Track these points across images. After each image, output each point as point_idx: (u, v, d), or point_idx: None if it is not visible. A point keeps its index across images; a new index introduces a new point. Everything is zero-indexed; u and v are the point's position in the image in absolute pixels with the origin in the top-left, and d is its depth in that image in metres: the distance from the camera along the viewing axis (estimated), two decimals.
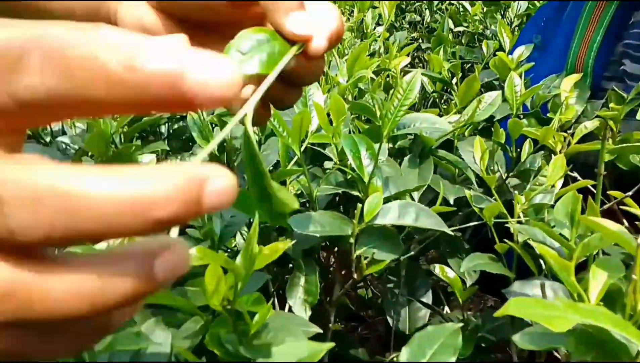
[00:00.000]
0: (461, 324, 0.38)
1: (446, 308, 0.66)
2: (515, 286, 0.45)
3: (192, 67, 0.15)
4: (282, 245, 0.32)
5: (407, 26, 1.55)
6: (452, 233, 0.47)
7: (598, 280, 0.31)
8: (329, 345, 0.30)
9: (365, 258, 0.44)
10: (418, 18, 1.52)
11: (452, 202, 0.52)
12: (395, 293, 0.60)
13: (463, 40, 1.13)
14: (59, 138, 0.75)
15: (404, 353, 0.35)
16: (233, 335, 0.34)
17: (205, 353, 0.37)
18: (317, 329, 0.38)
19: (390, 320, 0.59)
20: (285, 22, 0.25)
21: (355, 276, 0.45)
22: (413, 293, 0.60)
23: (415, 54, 1.22)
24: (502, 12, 1.09)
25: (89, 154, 0.62)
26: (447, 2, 1.43)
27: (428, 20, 1.47)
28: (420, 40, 1.39)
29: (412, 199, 0.50)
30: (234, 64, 0.15)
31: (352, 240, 0.44)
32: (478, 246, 0.63)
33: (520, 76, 0.58)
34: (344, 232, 0.43)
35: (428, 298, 0.60)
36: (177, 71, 0.15)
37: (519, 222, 0.46)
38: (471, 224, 0.53)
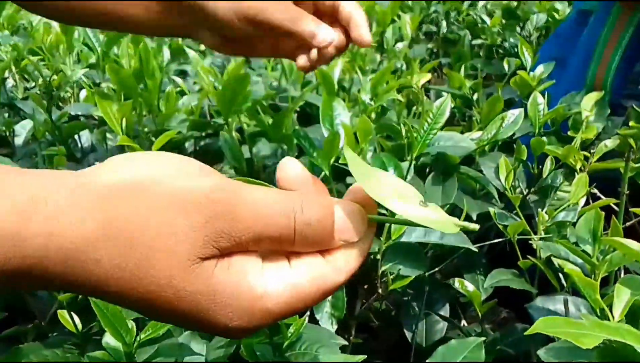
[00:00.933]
0: (483, 338, 0.40)
1: (463, 321, 0.67)
2: (537, 302, 0.46)
3: None
4: None
5: (423, 37, 1.56)
6: (475, 249, 0.48)
7: (622, 297, 0.32)
8: (361, 357, 0.32)
9: (391, 273, 0.45)
10: (434, 29, 1.53)
11: (474, 218, 0.53)
12: (412, 306, 0.61)
13: (481, 53, 1.15)
14: (90, 154, 0.78)
15: None
16: (266, 346, 0.35)
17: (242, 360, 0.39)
18: (343, 341, 0.40)
19: (407, 334, 0.59)
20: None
21: (380, 291, 0.47)
22: (430, 307, 0.60)
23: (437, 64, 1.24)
24: (521, 25, 1.10)
25: None
26: (465, 13, 1.44)
27: (444, 32, 1.48)
28: (436, 51, 1.40)
29: None
30: None
31: (378, 256, 0.45)
32: (494, 261, 0.62)
33: (543, 95, 0.59)
34: (372, 249, 0.45)
35: (445, 312, 0.60)
36: None
37: (542, 239, 0.48)
38: (493, 241, 0.54)
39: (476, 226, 0.24)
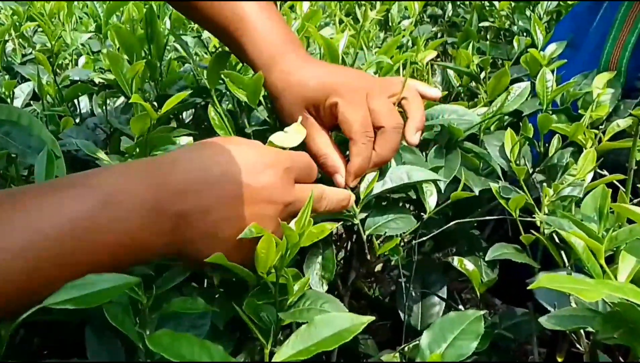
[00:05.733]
0: (484, 311, 0.39)
1: (460, 306, 0.66)
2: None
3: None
4: (330, 226, 0.33)
5: (428, 20, 1.54)
6: (440, 178, 0.46)
7: (627, 263, 0.32)
8: (369, 318, 0.31)
9: (378, 238, 0.45)
10: (439, 12, 1.51)
11: (477, 193, 0.53)
12: (408, 288, 0.58)
13: (488, 36, 1.13)
14: (89, 119, 0.78)
15: (425, 337, 0.35)
16: (269, 306, 0.35)
17: (240, 325, 0.39)
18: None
19: (401, 314, 0.57)
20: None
21: (369, 257, 0.47)
22: (427, 289, 0.59)
23: (440, 49, 1.22)
24: (532, 8, 1.08)
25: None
26: None
27: (450, 15, 1.46)
28: (441, 36, 1.38)
29: (439, 189, 0.51)
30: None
31: (356, 221, 0.45)
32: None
33: (553, 73, 0.58)
34: (347, 215, 0.45)
35: (443, 295, 0.60)
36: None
37: (546, 214, 0.47)
38: (492, 217, 0.54)
39: None
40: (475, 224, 0.61)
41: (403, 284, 0.57)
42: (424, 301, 0.59)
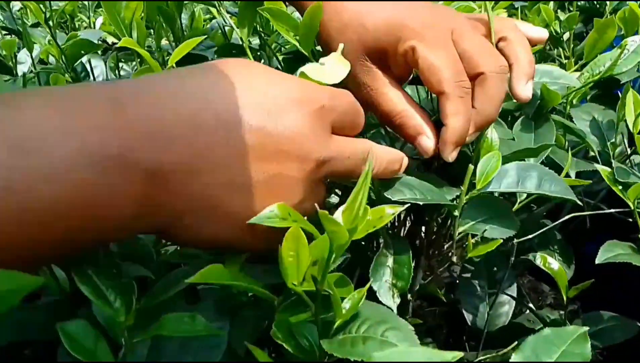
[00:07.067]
0: (587, 328, 0.30)
1: (530, 305, 0.58)
2: None
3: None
4: (391, 209, 0.22)
5: None
6: (579, 202, 0.36)
7: None
8: (457, 354, 0.21)
9: (473, 236, 0.34)
10: None
11: (573, 177, 0.42)
12: (474, 285, 0.53)
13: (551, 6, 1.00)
14: None
15: (514, 360, 0.27)
16: (310, 325, 0.25)
17: (270, 346, 0.29)
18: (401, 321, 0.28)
19: (467, 316, 0.52)
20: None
21: (454, 259, 0.36)
22: (494, 286, 0.52)
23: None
24: None
25: None
26: None
27: None
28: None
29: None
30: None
31: (456, 213, 0.34)
32: (571, 238, 0.54)
33: None
34: (447, 201, 0.34)
35: (513, 293, 0.53)
36: None
37: None
38: (609, 210, 0.42)
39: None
40: (545, 213, 0.52)
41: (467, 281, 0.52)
42: (490, 300, 0.53)
